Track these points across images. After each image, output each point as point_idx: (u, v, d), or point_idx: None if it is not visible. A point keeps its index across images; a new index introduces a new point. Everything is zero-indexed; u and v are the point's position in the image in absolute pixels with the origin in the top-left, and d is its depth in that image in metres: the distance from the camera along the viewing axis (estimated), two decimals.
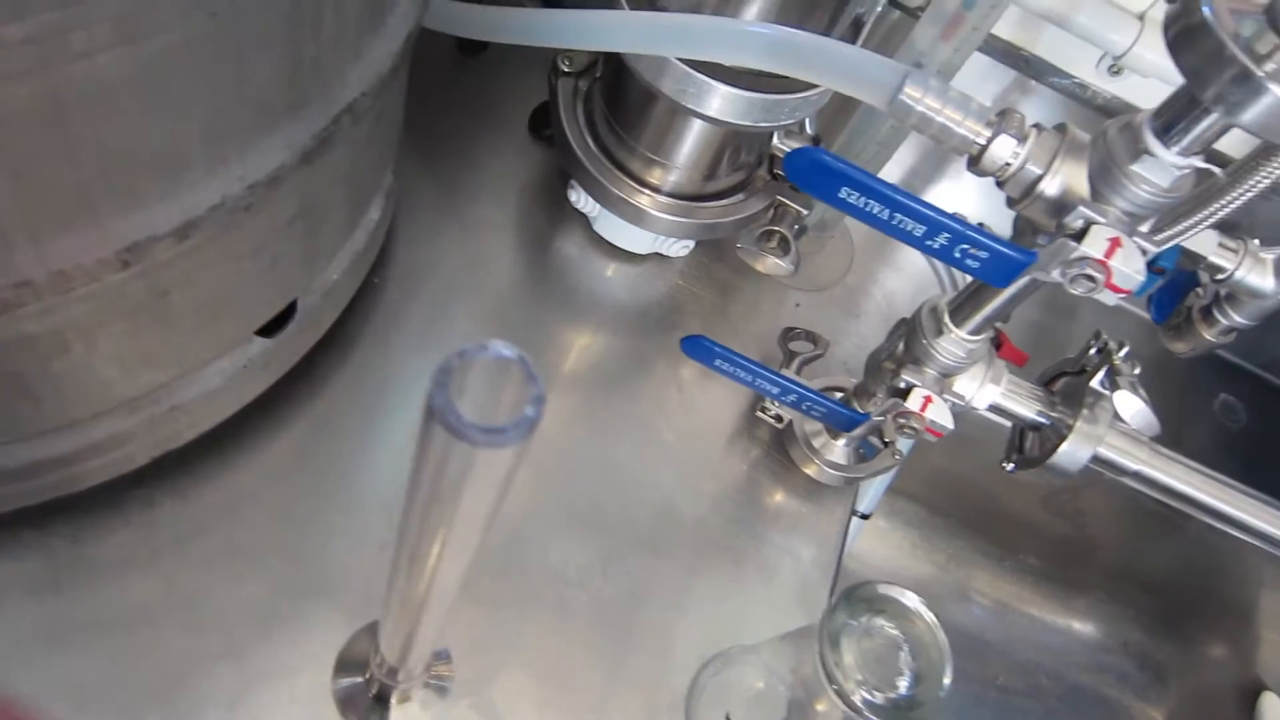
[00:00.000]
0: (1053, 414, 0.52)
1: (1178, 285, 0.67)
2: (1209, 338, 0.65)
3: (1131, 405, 0.48)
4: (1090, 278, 0.40)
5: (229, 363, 0.44)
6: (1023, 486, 0.80)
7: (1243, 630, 0.94)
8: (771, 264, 0.61)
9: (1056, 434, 0.51)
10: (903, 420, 0.49)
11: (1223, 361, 0.92)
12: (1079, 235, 0.40)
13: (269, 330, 0.45)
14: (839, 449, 0.60)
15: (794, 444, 0.60)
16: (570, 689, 0.50)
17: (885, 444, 0.60)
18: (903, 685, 0.39)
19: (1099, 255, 0.39)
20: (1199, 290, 0.65)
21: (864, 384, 0.55)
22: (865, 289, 0.74)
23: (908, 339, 0.50)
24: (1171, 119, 0.38)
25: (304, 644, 0.46)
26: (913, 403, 0.48)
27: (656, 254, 0.67)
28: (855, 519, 0.67)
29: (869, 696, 0.39)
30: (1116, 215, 0.40)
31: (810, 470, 0.60)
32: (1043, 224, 0.42)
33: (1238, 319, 0.63)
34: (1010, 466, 0.54)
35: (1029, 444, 0.54)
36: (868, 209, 0.41)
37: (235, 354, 0.45)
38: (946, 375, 0.49)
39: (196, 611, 0.46)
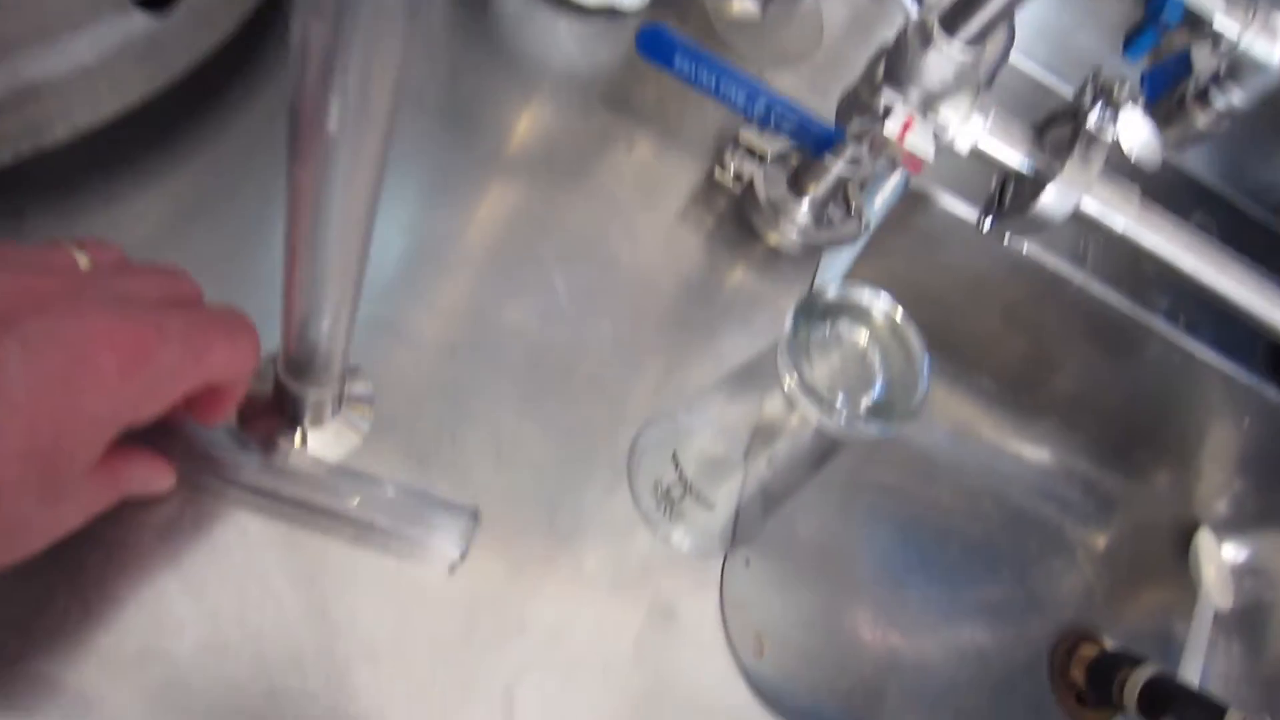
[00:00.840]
0: (1039, 157, 0.48)
1: (1171, 69, 0.63)
2: (1200, 125, 0.62)
3: (1136, 129, 0.44)
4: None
5: (103, 35, 0.38)
6: (984, 297, 0.77)
7: (1187, 465, 0.93)
8: (739, 6, 0.56)
9: (1041, 181, 0.47)
10: (880, 146, 0.44)
11: (1198, 185, 0.88)
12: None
13: (151, 3, 0.39)
14: (803, 213, 0.55)
15: (755, 209, 0.56)
16: (502, 436, 0.46)
17: (850, 213, 0.56)
18: (875, 390, 0.36)
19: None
20: (1195, 79, 0.61)
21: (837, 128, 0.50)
22: (834, 70, 0.69)
23: (890, 58, 0.45)
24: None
25: None
26: (891, 126, 0.44)
27: (609, 9, 0.60)
28: None
29: (842, 408, 0.35)
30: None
31: (771, 239, 0.56)
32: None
33: (1235, 100, 0.59)
34: (988, 221, 0.50)
35: (1008, 197, 0.50)
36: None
37: (109, 24, 0.38)
38: (930, 99, 0.45)
39: None
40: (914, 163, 0.44)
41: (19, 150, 0.39)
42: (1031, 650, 0.84)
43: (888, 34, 0.71)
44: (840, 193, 0.55)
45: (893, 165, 0.45)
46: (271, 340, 0.36)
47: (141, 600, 0.37)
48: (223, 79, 0.49)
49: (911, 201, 0.67)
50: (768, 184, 0.55)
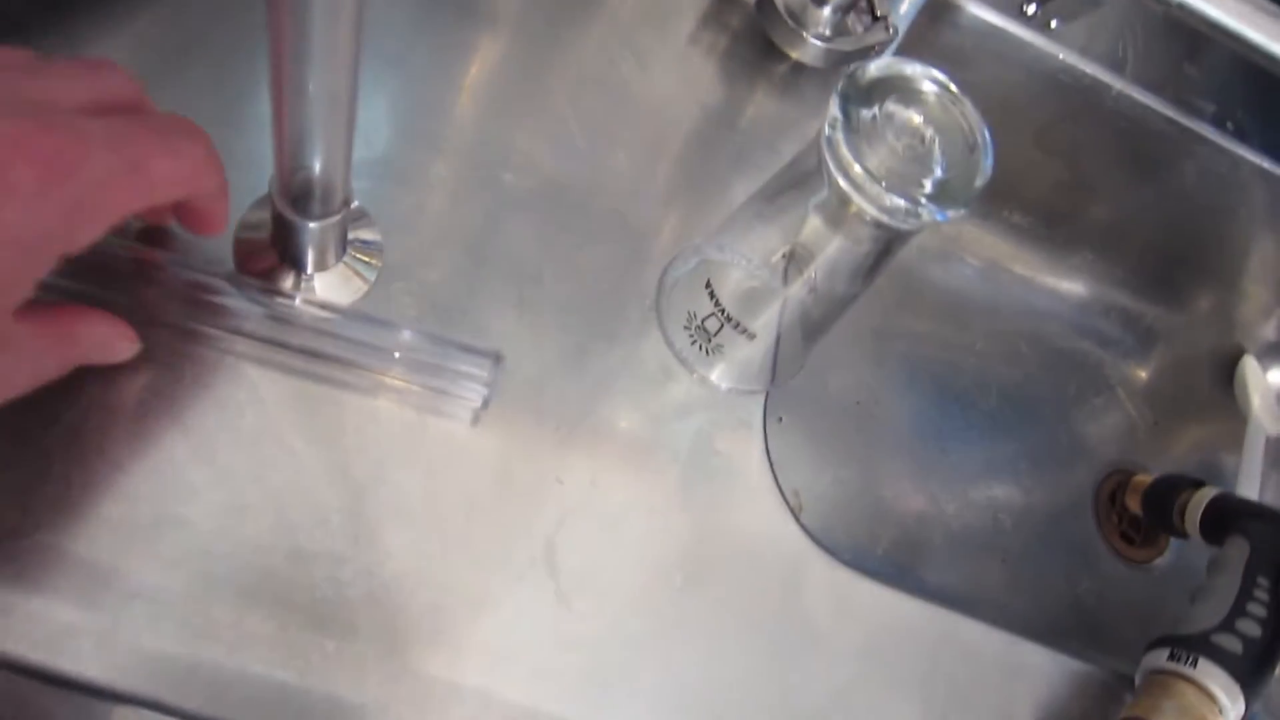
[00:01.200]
0: None
1: None
2: None
3: None
4: None
5: None
6: (1014, 119, 0.73)
7: (1230, 289, 0.90)
8: None
9: None
10: None
11: None
12: None
13: None
14: (825, 21, 0.51)
15: (773, 18, 0.51)
16: (521, 277, 0.42)
17: (876, 18, 0.51)
18: (936, 173, 0.32)
19: None
20: None
21: None
22: None
23: None
24: None
25: None
26: None
27: None
28: None
29: (901, 198, 0.31)
30: None
31: (791, 49, 0.51)
32: None
33: None
34: (1031, 9, 0.45)
35: None
36: None
37: None
38: None
39: None
40: None
41: None
42: (1076, 492, 0.81)
43: None
44: None
45: None
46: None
47: (151, 466, 0.34)
48: None
49: (935, 11, 0.61)
50: None
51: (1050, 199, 0.82)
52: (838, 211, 0.34)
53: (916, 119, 0.32)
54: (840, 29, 0.51)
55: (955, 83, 0.34)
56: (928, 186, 0.32)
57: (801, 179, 0.36)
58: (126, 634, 0.32)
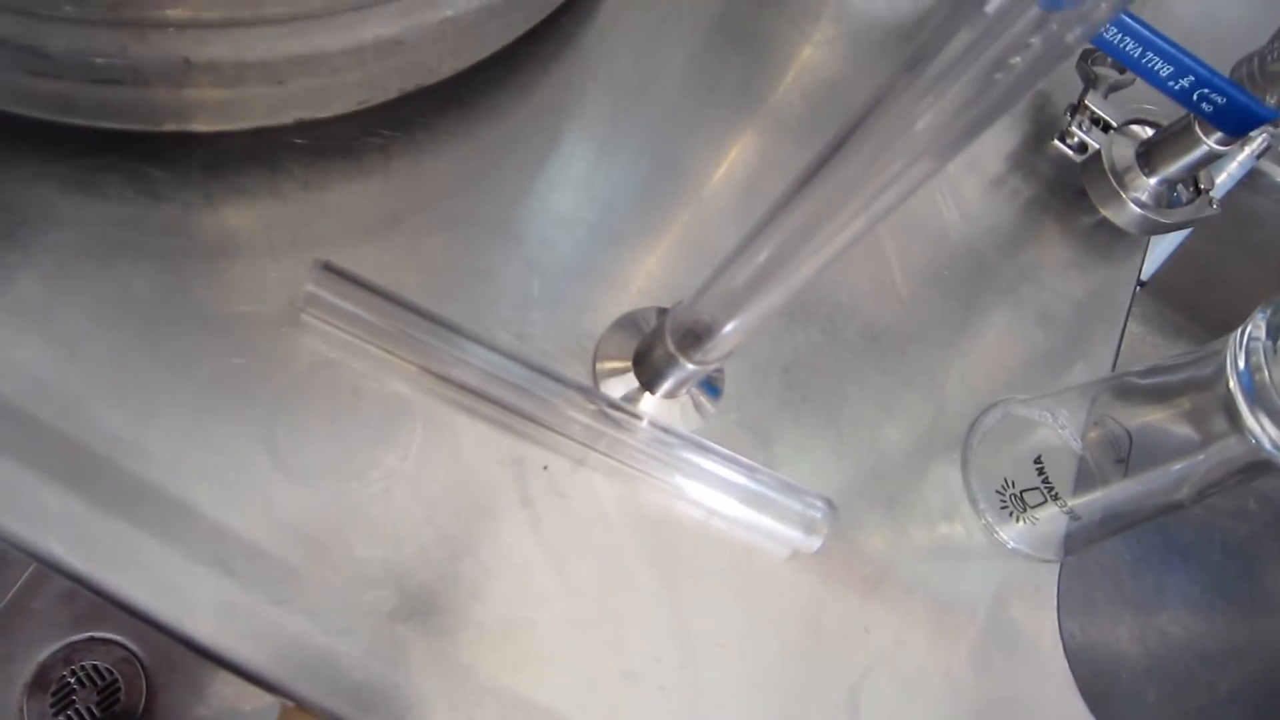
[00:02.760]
0: None
1: None
2: None
3: None
4: None
5: None
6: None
7: None
8: None
9: None
10: None
11: None
12: None
13: None
14: (1149, 188, 0.51)
15: (1098, 178, 0.51)
16: (840, 418, 0.43)
17: (1199, 191, 0.51)
18: None
19: None
20: None
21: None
22: (1157, 20, 0.63)
23: None
24: None
25: (556, 329, 0.40)
26: None
27: None
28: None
29: None
30: None
31: (1109, 210, 0.52)
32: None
33: None
34: None
35: None
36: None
37: None
38: None
39: (437, 278, 0.40)
40: None
41: (404, 88, 0.38)
42: None
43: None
44: (1196, 171, 0.50)
45: None
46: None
47: (511, 571, 0.36)
48: (567, 20, 0.47)
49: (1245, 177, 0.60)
50: (1115, 155, 0.50)
51: None
52: (1212, 420, 0.34)
53: None
54: (1160, 199, 0.51)
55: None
56: None
57: (1174, 379, 0.36)
58: None
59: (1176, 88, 0.39)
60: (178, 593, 0.32)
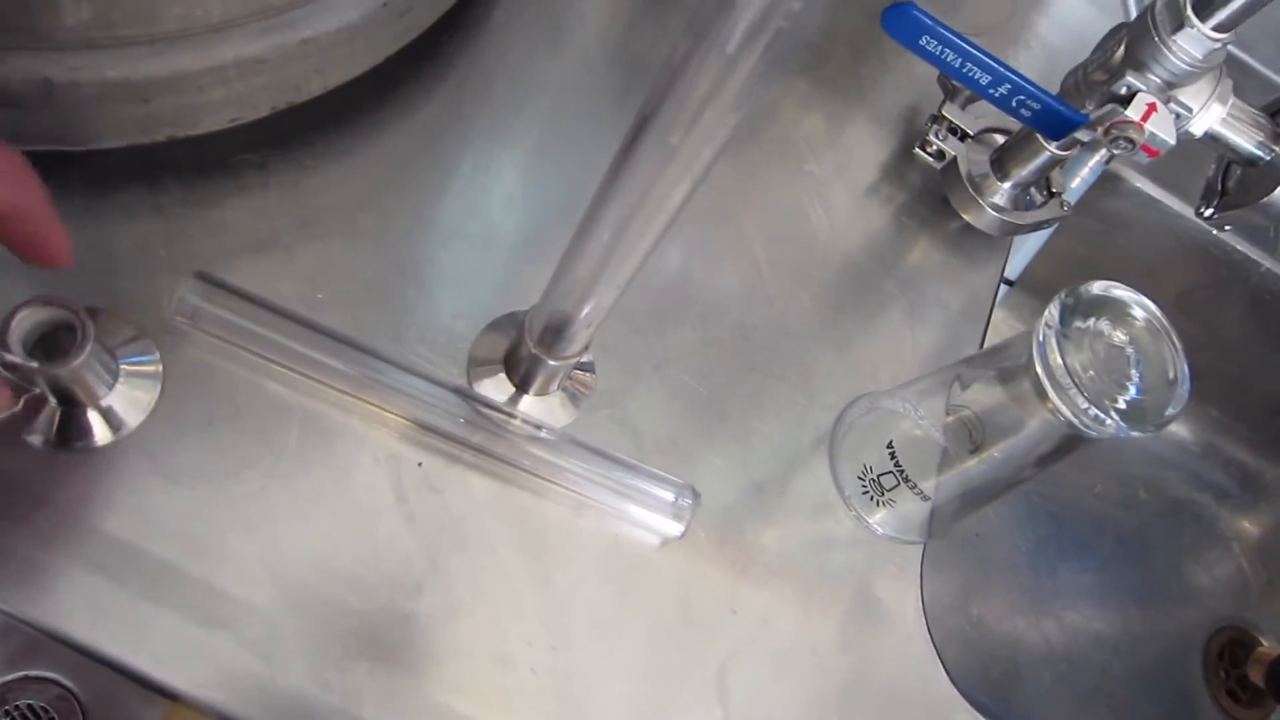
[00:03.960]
0: (1274, 147, 0.45)
1: None
2: None
3: None
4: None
5: None
6: (1159, 281, 0.74)
7: None
8: None
9: (1275, 171, 0.45)
10: (1118, 131, 0.42)
11: None
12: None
13: None
14: (1004, 192, 0.54)
15: (956, 185, 0.54)
16: (710, 411, 0.46)
17: (1052, 194, 0.54)
18: (1129, 393, 0.35)
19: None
20: None
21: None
22: (1024, 40, 0.67)
23: (1132, 40, 0.43)
24: None
25: (432, 334, 0.42)
26: (1134, 110, 0.42)
27: None
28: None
29: (1094, 406, 0.34)
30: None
31: (969, 215, 0.55)
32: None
33: None
34: (1209, 212, 0.48)
35: (1232, 184, 0.48)
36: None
37: None
38: (1172, 85, 0.43)
39: (316, 288, 0.42)
40: (1151, 149, 0.43)
41: (275, 105, 0.39)
42: (1185, 643, 0.82)
43: (1077, 10, 0.69)
44: (1044, 175, 0.53)
45: (1128, 149, 0.43)
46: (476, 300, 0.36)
47: (386, 562, 0.38)
48: (446, 41, 0.49)
49: (1101, 182, 0.64)
50: (970, 163, 0.54)
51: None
52: (1032, 403, 0.37)
53: (1122, 339, 0.35)
54: (1016, 202, 0.54)
55: (1155, 304, 0.36)
56: (1121, 403, 0.34)
57: (1004, 365, 0.39)
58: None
59: (997, 95, 0.42)
60: (52, 592, 0.34)
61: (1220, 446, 0.89)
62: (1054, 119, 0.43)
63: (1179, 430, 0.88)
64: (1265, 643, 0.77)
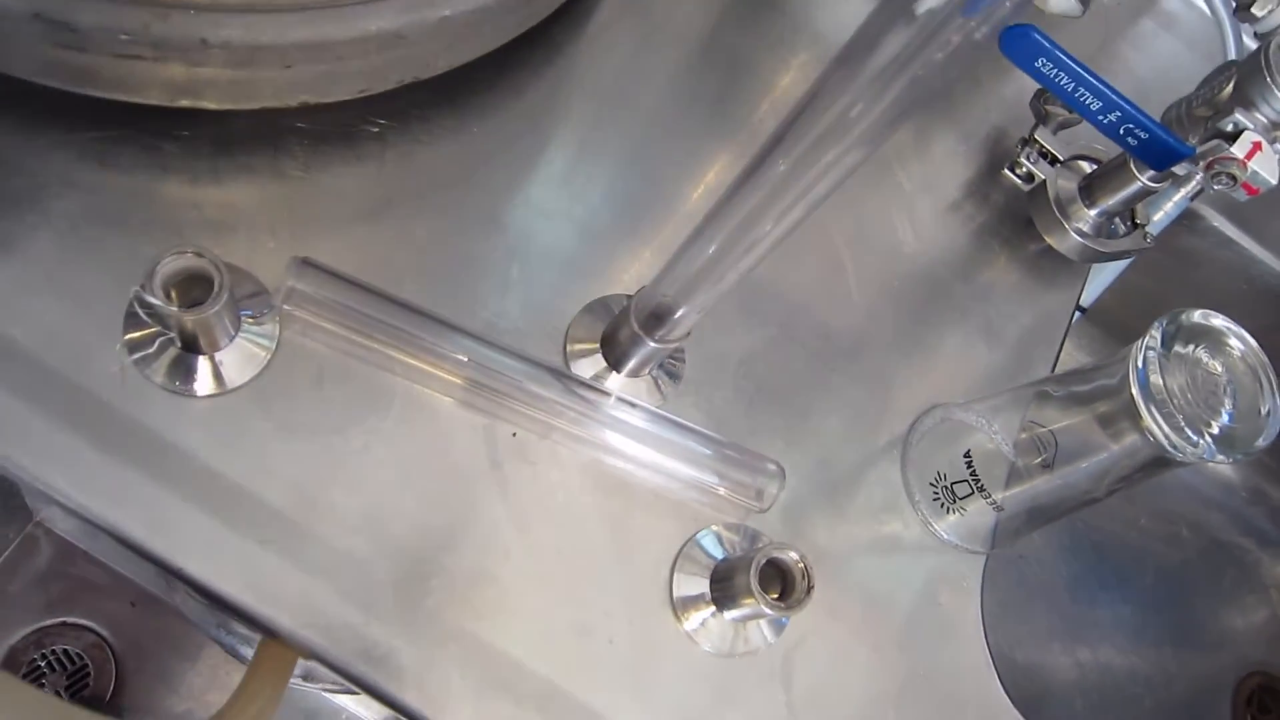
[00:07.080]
0: None
1: None
2: None
3: None
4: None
5: None
6: (1229, 317, 0.75)
7: None
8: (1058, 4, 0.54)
9: None
10: (1220, 167, 0.43)
11: None
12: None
13: None
14: (1090, 219, 0.55)
15: (1042, 208, 0.55)
16: (790, 408, 0.47)
17: (1135, 225, 0.55)
18: (1222, 420, 0.36)
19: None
20: None
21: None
22: (1113, 71, 0.67)
23: (1242, 78, 0.44)
24: None
25: (531, 311, 0.44)
26: (1239, 147, 0.43)
27: None
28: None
29: (1190, 429, 0.35)
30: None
31: (1052, 239, 0.55)
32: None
33: None
34: None
35: None
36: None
37: None
38: (1277, 124, 0.44)
39: (423, 258, 0.43)
40: (1252, 188, 0.43)
41: (402, 79, 0.41)
42: (1216, 683, 0.82)
43: (1166, 45, 0.69)
44: (1131, 206, 0.54)
45: (1228, 186, 0.44)
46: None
47: (478, 527, 0.39)
48: (557, 30, 0.51)
49: (1180, 218, 0.65)
50: (1059, 187, 0.55)
51: None
52: (1118, 423, 0.38)
53: (1218, 368, 0.36)
54: (1100, 230, 0.55)
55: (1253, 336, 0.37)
56: (1214, 428, 0.35)
57: (1093, 385, 0.40)
58: (440, 669, 0.37)
59: (1105, 121, 0.43)
60: (171, 529, 0.35)
61: (1268, 492, 0.89)
62: (1160, 149, 0.44)
63: (1227, 471, 0.89)
64: None
